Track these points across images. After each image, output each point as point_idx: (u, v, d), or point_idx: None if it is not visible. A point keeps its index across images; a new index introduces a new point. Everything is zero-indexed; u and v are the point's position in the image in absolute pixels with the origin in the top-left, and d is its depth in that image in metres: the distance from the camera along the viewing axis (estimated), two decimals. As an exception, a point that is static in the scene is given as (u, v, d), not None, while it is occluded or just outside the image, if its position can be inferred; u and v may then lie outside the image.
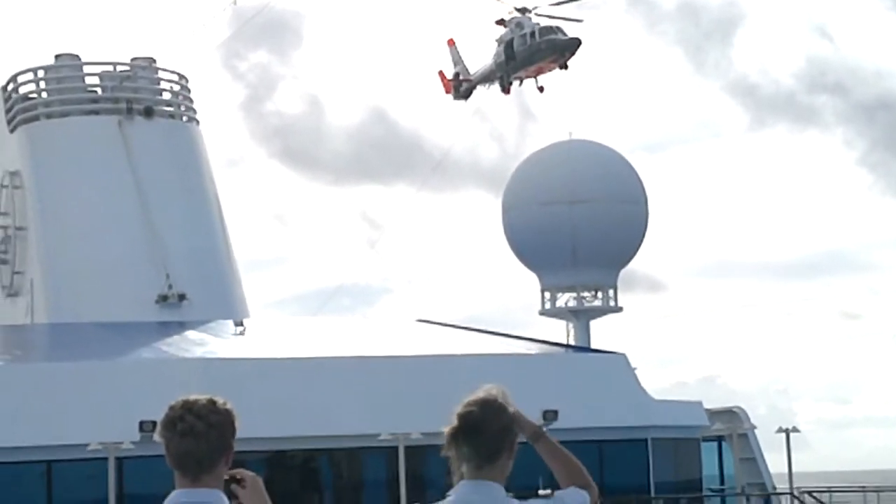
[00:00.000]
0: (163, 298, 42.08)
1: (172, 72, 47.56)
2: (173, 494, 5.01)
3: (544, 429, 5.40)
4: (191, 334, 39.53)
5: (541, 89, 57.32)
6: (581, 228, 56.01)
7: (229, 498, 4.99)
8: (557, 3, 55.77)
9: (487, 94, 60.37)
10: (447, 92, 61.29)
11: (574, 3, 56.24)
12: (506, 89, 57.96)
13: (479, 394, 5.34)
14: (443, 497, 5.32)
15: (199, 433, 4.93)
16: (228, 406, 5.05)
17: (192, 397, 5.02)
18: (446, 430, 5.29)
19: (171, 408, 5.02)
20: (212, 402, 5.02)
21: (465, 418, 5.27)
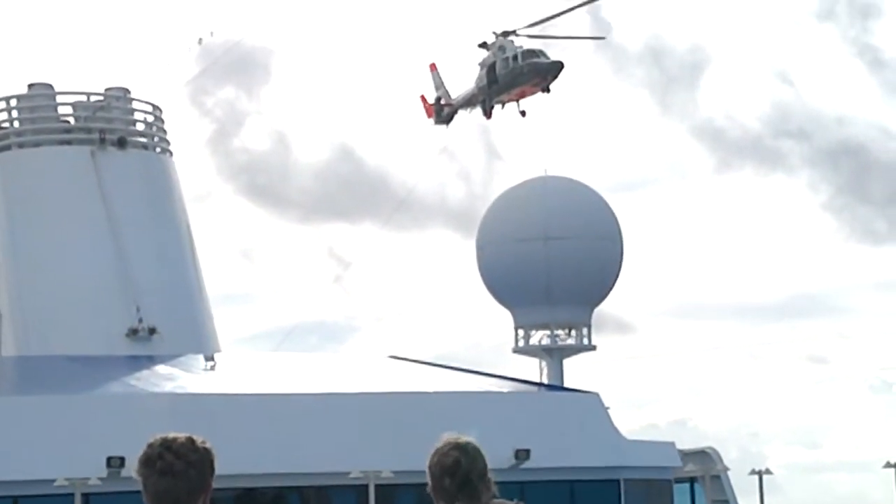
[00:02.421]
0: (133, 332, 41.71)
1: (146, 102, 47.29)
2: (151, 533, 4.93)
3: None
4: (161, 369, 39.17)
5: (523, 113, 56.90)
6: (555, 265, 55.90)
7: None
8: (534, 25, 55.76)
9: (464, 122, 60.06)
10: (429, 116, 60.73)
11: (544, 39, 56.25)
12: (488, 113, 57.58)
13: (455, 438, 5.38)
14: None
15: (178, 472, 4.87)
16: (207, 445, 5.01)
17: (171, 435, 4.96)
18: (434, 470, 5.30)
19: (150, 445, 4.95)
20: (191, 441, 4.96)
21: (450, 462, 5.28)
